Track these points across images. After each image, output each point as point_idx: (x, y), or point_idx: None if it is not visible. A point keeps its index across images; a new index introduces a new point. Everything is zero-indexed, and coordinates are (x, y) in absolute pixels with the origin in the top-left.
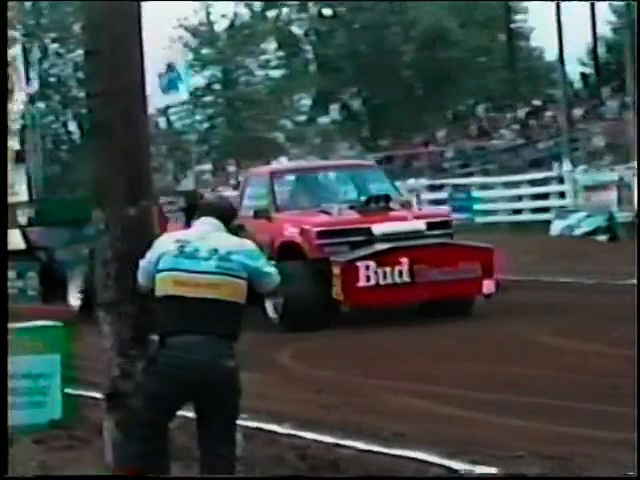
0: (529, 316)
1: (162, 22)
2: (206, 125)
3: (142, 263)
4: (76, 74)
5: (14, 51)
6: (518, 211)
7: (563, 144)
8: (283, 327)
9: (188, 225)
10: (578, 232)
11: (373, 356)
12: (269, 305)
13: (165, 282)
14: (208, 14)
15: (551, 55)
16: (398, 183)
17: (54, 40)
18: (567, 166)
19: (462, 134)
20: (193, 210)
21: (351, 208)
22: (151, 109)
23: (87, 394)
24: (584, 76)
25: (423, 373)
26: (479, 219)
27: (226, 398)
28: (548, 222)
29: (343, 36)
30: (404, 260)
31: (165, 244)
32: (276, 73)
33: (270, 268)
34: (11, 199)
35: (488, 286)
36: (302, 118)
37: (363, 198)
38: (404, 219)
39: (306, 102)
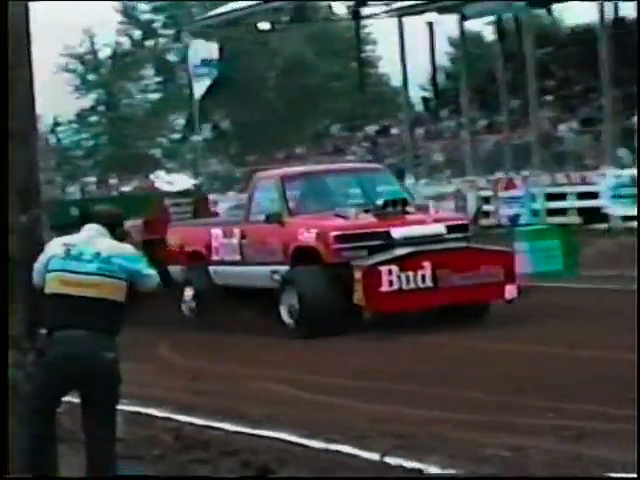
0: None
1: (49, 49)
2: (91, 142)
3: (36, 265)
4: None
5: None
6: None
7: (407, 159)
8: (300, 333)
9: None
10: None
11: (243, 347)
12: (284, 310)
13: (53, 281)
14: (92, 43)
15: (396, 81)
16: None
17: None
18: (410, 179)
19: (319, 151)
20: (198, 209)
21: (367, 212)
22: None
23: None
24: (425, 100)
25: (290, 362)
26: None
27: (107, 386)
28: None
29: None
30: (427, 264)
31: (54, 247)
32: (154, 96)
33: (150, 270)
34: None
35: (510, 291)
36: (177, 136)
37: (380, 201)
38: (423, 222)
39: (180, 122)
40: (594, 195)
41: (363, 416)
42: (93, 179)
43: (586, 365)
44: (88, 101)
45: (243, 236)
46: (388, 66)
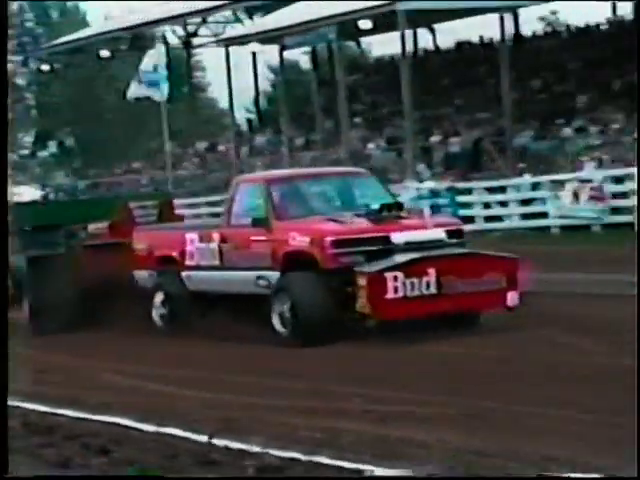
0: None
1: None
2: None
3: None
4: None
5: None
6: None
7: (234, 173)
8: (294, 341)
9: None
10: None
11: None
12: (275, 318)
13: None
14: None
15: (224, 104)
16: None
17: None
18: None
19: (155, 166)
20: (163, 212)
21: (360, 216)
22: None
23: None
24: (249, 121)
25: (136, 355)
26: None
27: None
28: None
29: (59, 87)
30: (431, 271)
31: None
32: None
33: None
34: None
35: (512, 298)
36: (26, 152)
37: (375, 205)
38: (423, 227)
39: (28, 139)
40: None
41: (197, 403)
42: None
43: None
44: None
45: (223, 240)
46: (216, 90)
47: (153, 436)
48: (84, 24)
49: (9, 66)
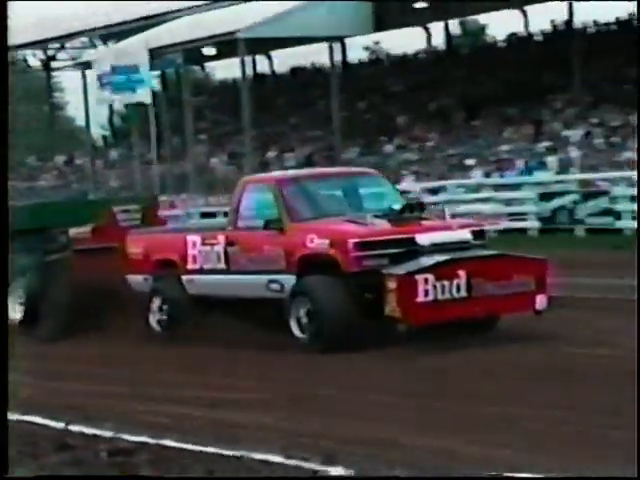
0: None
1: None
2: None
3: None
4: None
5: None
6: None
7: (90, 184)
8: (315, 348)
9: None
10: None
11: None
12: (294, 323)
13: None
14: None
15: (81, 122)
16: None
17: None
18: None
19: (16, 178)
20: (146, 215)
21: (379, 217)
22: None
23: None
24: (104, 137)
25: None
26: None
27: None
28: None
29: None
30: (462, 273)
31: None
32: None
33: None
34: None
35: (541, 301)
36: None
37: (397, 206)
38: (448, 228)
39: None
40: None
41: (55, 394)
42: None
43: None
44: None
45: (230, 243)
46: (74, 109)
47: (14, 424)
48: None
49: None
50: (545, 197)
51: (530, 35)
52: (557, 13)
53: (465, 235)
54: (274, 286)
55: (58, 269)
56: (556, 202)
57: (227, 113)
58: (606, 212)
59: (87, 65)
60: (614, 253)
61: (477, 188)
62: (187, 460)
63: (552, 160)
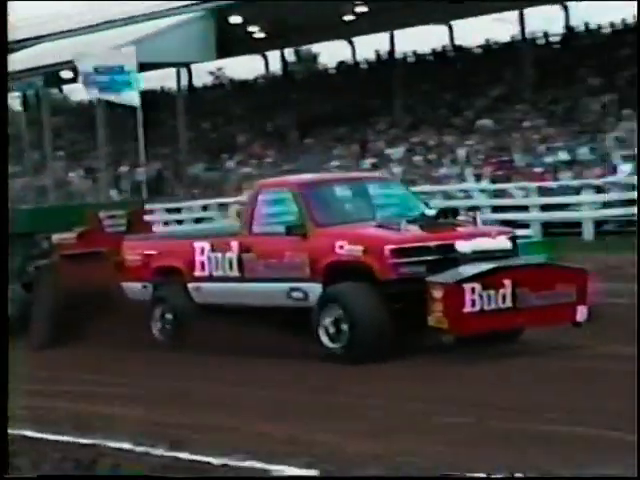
0: None
1: None
2: None
3: None
4: None
5: None
6: None
7: None
8: (349, 357)
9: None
10: None
11: None
12: (323, 332)
13: None
14: None
15: None
16: None
17: None
18: None
19: None
20: (132, 221)
21: (411, 222)
22: None
23: None
24: None
25: None
26: None
27: None
28: None
29: None
30: (507, 282)
31: None
32: None
33: None
34: None
35: (582, 313)
36: None
37: (431, 212)
38: (488, 235)
39: None
40: None
41: None
42: None
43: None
44: None
45: (245, 250)
46: None
47: None
48: None
49: None
50: None
51: (357, 63)
52: (381, 44)
53: (505, 243)
54: (296, 294)
55: (42, 275)
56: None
57: (83, 131)
58: None
59: None
60: None
61: None
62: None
63: None
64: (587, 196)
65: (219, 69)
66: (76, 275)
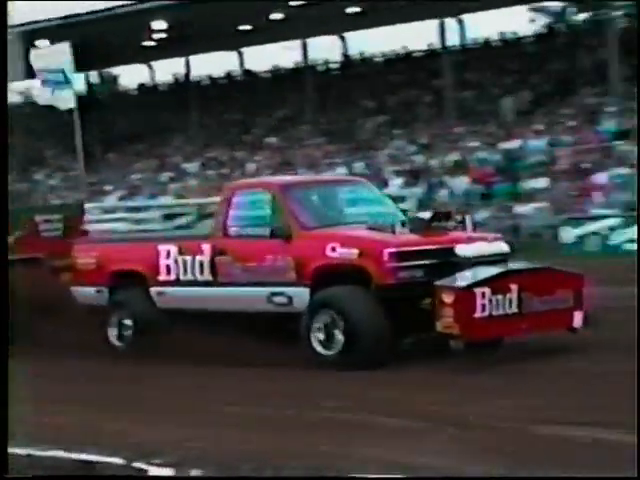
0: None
1: None
2: None
3: None
4: None
5: None
6: None
7: None
8: (344, 365)
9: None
10: None
11: None
12: (315, 338)
13: None
14: None
15: None
16: None
17: None
18: None
19: None
20: (69, 226)
21: (405, 225)
22: None
23: None
24: None
25: None
26: None
27: None
28: None
29: None
30: (514, 287)
31: None
32: None
33: None
34: None
35: (578, 319)
36: None
37: (425, 215)
38: (485, 239)
39: None
40: None
41: None
42: None
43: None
44: None
45: (220, 253)
46: None
47: None
48: None
49: None
50: (168, 217)
51: (155, 85)
52: (178, 68)
53: (503, 247)
54: (279, 299)
55: None
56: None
57: None
58: None
59: None
60: None
61: (113, 210)
62: None
63: (173, 187)
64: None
65: (27, 89)
66: (15, 281)
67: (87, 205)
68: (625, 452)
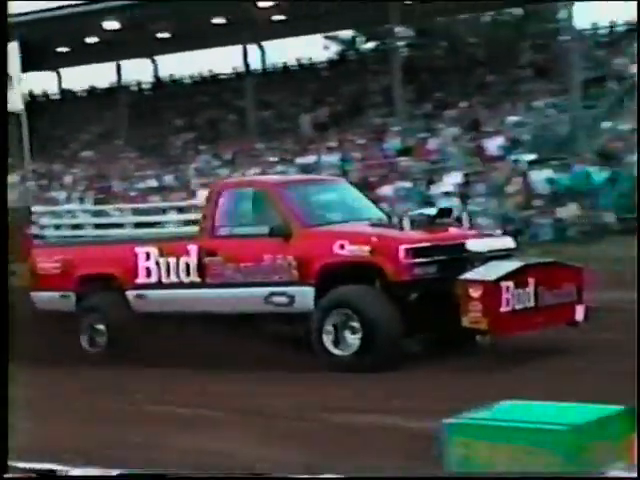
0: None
1: None
2: None
3: None
4: None
5: None
6: None
7: None
8: (360, 364)
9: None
10: None
11: None
12: (327, 338)
13: None
14: None
15: None
16: None
17: None
18: None
19: None
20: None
21: (412, 222)
22: None
23: None
24: None
25: None
26: None
27: None
28: None
29: None
30: (531, 281)
31: None
32: None
33: None
34: None
35: (580, 312)
36: None
37: (430, 211)
38: (492, 235)
39: None
40: None
41: None
42: None
43: None
44: None
45: (209, 253)
46: None
47: None
48: None
49: None
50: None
51: None
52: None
53: (510, 242)
54: (279, 299)
55: None
56: None
57: None
58: None
59: None
60: None
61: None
62: None
63: None
64: (172, 216)
65: None
66: None
67: None
68: (421, 438)
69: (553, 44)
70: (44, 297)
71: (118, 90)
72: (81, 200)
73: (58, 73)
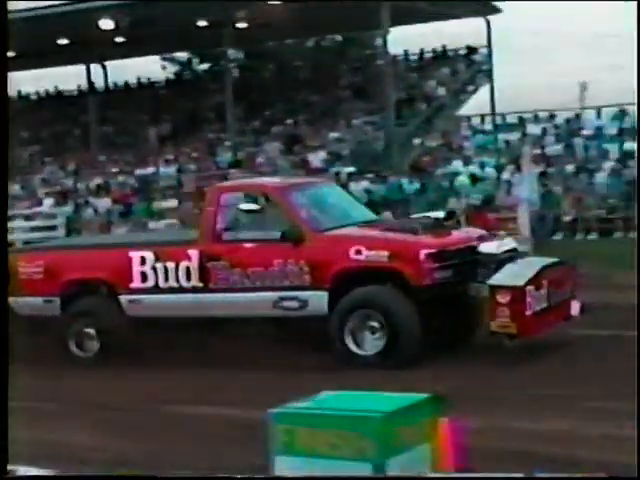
0: None
1: None
2: None
3: None
4: None
5: None
6: None
7: None
8: (383, 364)
9: None
10: None
11: None
12: (349, 338)
13: None
14: None
15: None
16: None
17: None
18: None
19: None
20: None
21: (420, 224)
22: None
23: None
24: None
25: None
26: None
27: None
28: None
29: None
30: (545, 282)
31: None
32: None
33: None
34: None
35: (575, 307)
36: None
37: (439, 214)
38: (500, 237)
39: None
40: None
41: None
42: None
43: None
44: None
45: (213, 258)
46: None
47: None
48: None
49: None
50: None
51: None
52: None
53: (514, 244)
54: (289, 303)
55: None
56: None
57: None
58: None
59: None
60: None
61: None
62: None
63: None
64: (19, 222)
65: None
66: None
67: None
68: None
69: (370, 68)
70: (26, 302)
71: None
72: None
73: None
